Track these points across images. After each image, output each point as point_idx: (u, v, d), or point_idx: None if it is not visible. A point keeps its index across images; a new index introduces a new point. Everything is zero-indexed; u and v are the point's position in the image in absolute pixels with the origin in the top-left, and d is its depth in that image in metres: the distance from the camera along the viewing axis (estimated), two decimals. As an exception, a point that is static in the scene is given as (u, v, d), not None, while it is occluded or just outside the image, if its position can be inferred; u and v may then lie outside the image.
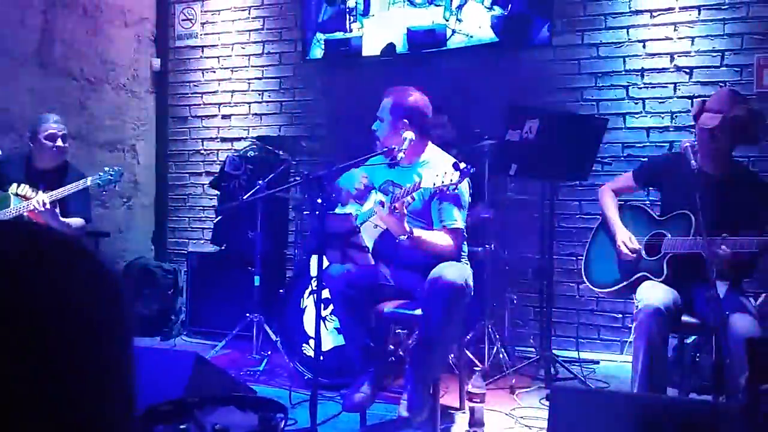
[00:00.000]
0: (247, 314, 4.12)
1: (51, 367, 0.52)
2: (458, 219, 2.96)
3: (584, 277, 3.26)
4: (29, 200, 3.54)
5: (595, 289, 3.21)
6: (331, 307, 3.38)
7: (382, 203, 2.78)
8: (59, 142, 3.72)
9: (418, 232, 2.85)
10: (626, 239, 3.04)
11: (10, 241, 0.56)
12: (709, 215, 2.63)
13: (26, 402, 0.51)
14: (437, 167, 2.87)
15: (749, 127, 2.94)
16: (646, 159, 3.94)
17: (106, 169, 3.65)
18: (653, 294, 2.79)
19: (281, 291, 3.82)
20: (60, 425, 0.53)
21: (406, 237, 2.80)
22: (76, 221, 3.68)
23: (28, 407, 0.51)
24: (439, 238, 2.93)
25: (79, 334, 0.55)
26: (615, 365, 4.14)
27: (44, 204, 3.46)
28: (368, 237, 2.95)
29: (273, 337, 4.03)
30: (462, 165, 2.66)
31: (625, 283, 3.05)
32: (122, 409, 0.59)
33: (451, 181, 2.68)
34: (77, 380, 0.54)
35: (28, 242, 0.57)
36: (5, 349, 0.50)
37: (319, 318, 2.63)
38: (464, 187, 3.00)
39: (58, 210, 3.56)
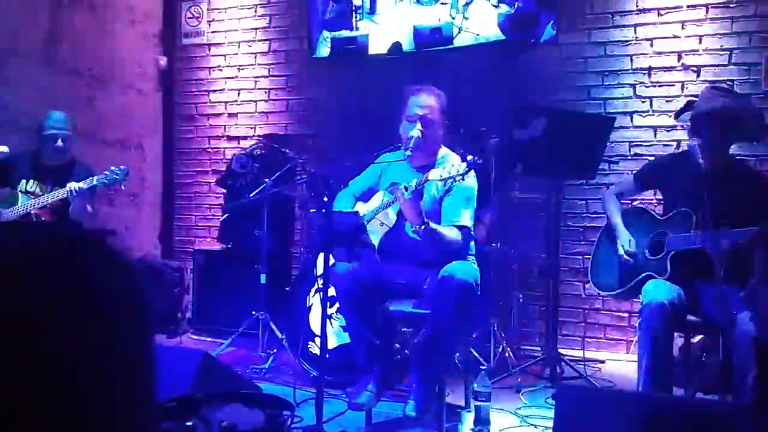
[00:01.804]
0: (253, 312, 4.12)
1: (76, 361, 0.53)
2: (465, 216, 2.97)
3: (591, 281, 3.32)
4: (37, 197, 3.58)
5: (602, 293, 3.25)
6: (337, 305, 3.38)
7: (406, 188, 2.77)
8: (59, 143, 3.73)
9: (433, 224, 2.86)
10: (625, 242, 3.08)
11: (33, 239, 0.57)
12: (709, 211, 2.63)
13: (51, 395, 0.51)
14: (448, 163, 2.87)
15: (732, 120, 2.94)
16: (653, 158, 3.94)
17: (113, 168, 3.65)
18: (657, 290, 2.82)
19: (287, 289, 3.82)
20: (85, 417, 0.53)
21: (422, 227, 2.80)
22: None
23: (54, 400, 0.51)
24: (450, 234, 2.94)
25: (103, 328, 0.56)
26: (621, 364, 4.13)
27: (79, 189, 3.52)
28: (374, 235, 2.96)
29: (279, 334, 4.03)
30: (469, 157, 2.66)
31: (630, 284, 3.07)
32: (144, 402, 0.60)
33: (458, 171, 2.67)
34: (102, 374, 0.55)
35: (50, 239, 0.57)
36: (32, 344, 0.51)
37: (324, 316, 2.64)
38: (473, 185, 3.00)
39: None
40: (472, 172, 3.00)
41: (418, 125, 3.00)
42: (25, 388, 0.50)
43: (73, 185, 3.54)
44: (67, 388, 0.52)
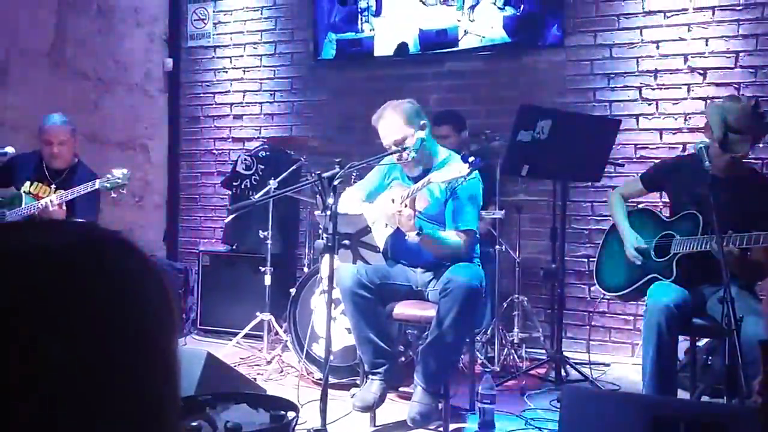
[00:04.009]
0: (258, 313, 4.12)
1: (108, 360, 0.53)
2: (471, 220, 2.96)
3: (596, 282, 3.31)
4: (40, 199, 3.58)
5: (608, 294, 3.23)
6: (341, 306, 3.37)
7: (392, 200, 2.78)
8: (55, 149, 3.71)
9: (428, 230, 2.85)
10: (633, 241, 3.07)
11: (66, 237, 0.56)
12: (716, 214, 2.61)
13: (80, 396, 0.51)
14: (450, 165, 2.86)
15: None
16: (658, 160, 3.93)
17: (115, 172, 3.59)
18: (662, 292, 2.81)
19: (292, 290, 3.82)
20: (114, 417, 0.53)
21: (415, 234, 2.79)
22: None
23: (83, 401, 0.51)
24: (450, 238, 2.92)
25: (135, 327, 0.55)
26: (626, 367, 4.11)
27: (54, 204, 3.49)
28: (380, 236, 2.95)
29: (283, 336, 4.03)
30: (471, 158, 2.65)
31: (636, 285, 3.06)
32: (171, 402, 0.60)
33: (460, 173, 2.66)
34: (132, 374, 0.55)
35: (83, 238, 0.57)
36: (61, 344, 0.51)
37: (329, 318, 2.63)
38: (477, 186, 3.00)
39: (64, 209, 3.58)
40: (476, 172, 3.00)
41: (393, 149, 3.00)
42: (56, 390, 0.50)
43: (47, 201, 3.52)
44: (98, 388, 0.52)
